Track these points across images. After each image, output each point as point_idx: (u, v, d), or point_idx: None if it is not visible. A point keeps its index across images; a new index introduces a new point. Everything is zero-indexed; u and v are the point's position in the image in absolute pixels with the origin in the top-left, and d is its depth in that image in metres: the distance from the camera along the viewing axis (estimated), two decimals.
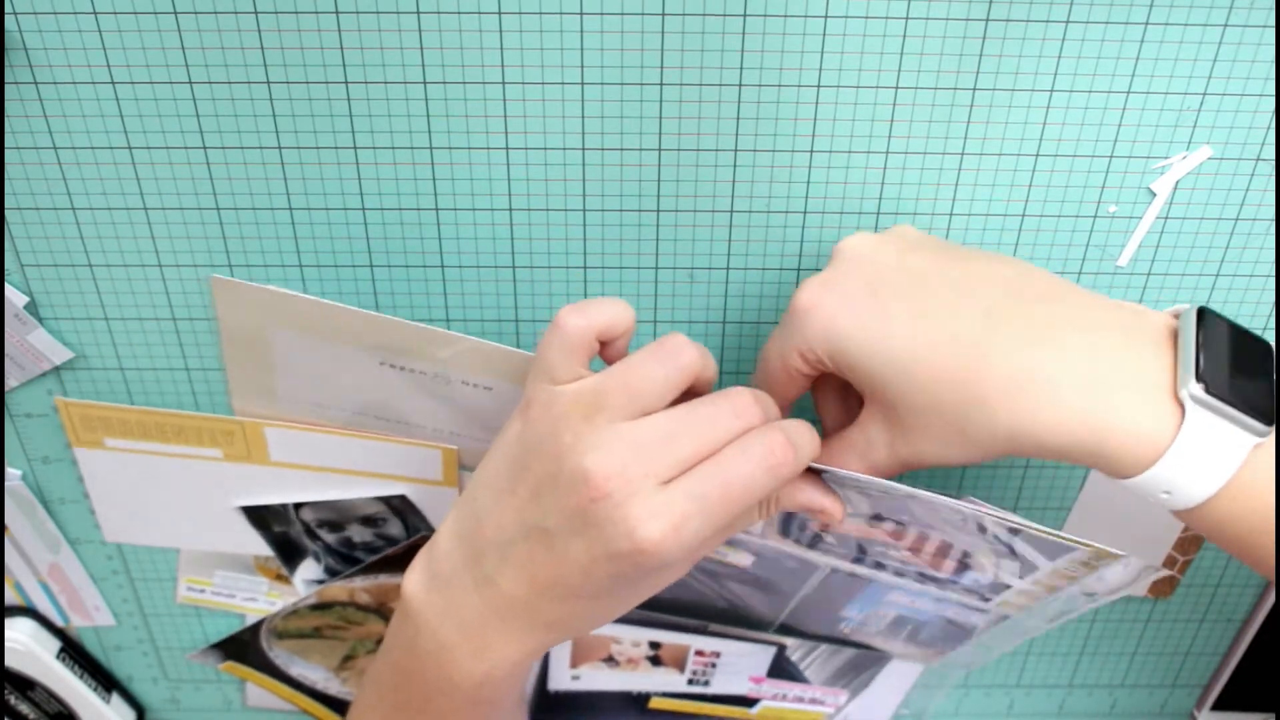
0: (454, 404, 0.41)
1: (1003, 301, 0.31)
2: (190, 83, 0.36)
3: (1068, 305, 0.31)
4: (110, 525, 0.48)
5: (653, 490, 0.29)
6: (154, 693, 0.55)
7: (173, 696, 0.55)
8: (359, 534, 0.46)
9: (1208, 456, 0.29)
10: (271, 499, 0.45)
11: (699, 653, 0.50)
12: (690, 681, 0.51)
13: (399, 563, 0.46)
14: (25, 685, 0.50)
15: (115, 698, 0.53)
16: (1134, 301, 0.41)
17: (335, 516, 0.46)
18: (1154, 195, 0.39)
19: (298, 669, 0.51)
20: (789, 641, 0.48)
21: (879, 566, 0.41)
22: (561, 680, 0.52)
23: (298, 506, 0.45)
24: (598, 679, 0.52)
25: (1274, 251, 0.40)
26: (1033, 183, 0.38)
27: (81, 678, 0.51)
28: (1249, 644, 0.51)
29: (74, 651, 0.52)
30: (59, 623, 0.52)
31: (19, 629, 0.50)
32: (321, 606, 0.48)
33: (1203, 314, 0.31)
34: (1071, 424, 0.29)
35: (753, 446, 0.30)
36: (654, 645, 0.50)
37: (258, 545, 0.47)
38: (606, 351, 0.34)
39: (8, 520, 0.47)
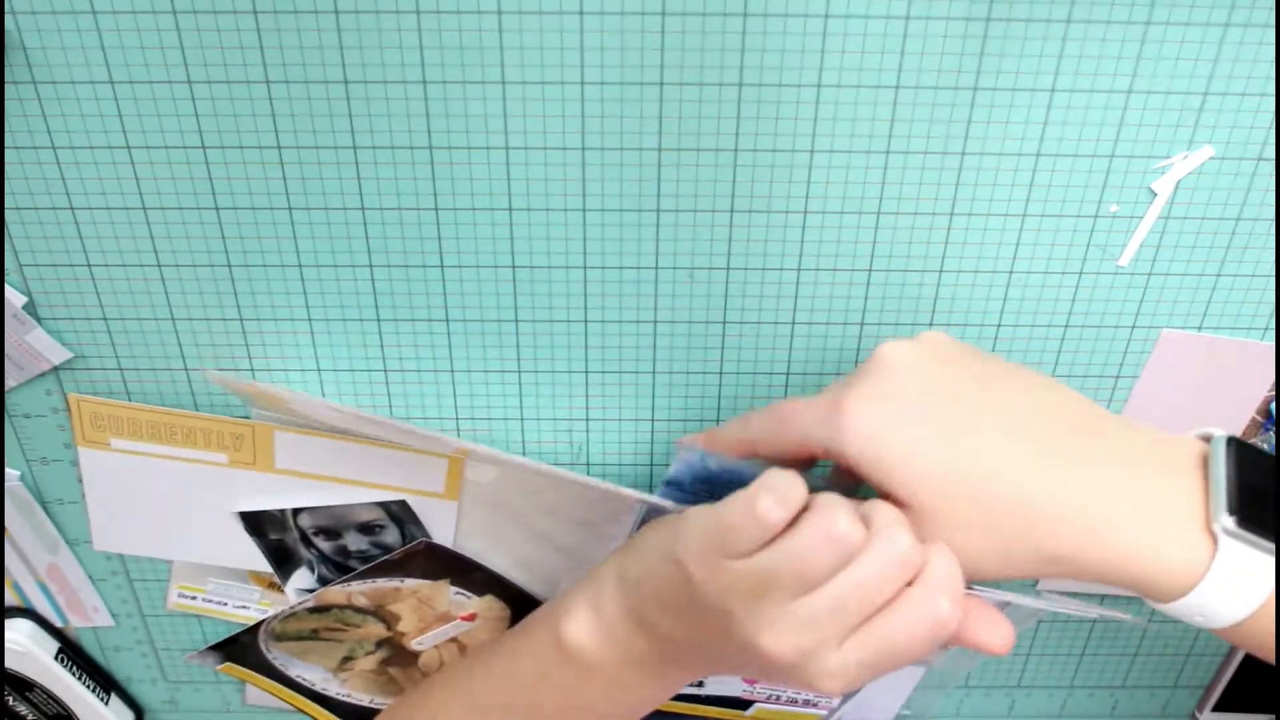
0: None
1: (1047, 433, 0.33)
2: (190, 82, 0.36)
3: (1105, 436, 0.33)
4: (102, 533, 0.48)
5: (829, 654, 0.31)
6: (152, 694, 0.55)
7: (171, 698, 0.55)
8: (355, 542, 0.46)
9: (1240, 583, 0.30)
10: (272, 504, 0.45)
11: None
12: None
13: (397, 567, 0.46)
14: (24, 686, 0.50)
15: (114, 699, 0.53)
16: (1133, 308, 0.41)
17: (332, 523, 0.46)
18: (1155, 195, 0.39)
19: (296, 670, 0.51)
20: None
21: None
22: None
23: (296, 513, 0.45)
24: None
25: (1274, 252, 0.40)
26: (1033, 183, 0.38)
27: (80, 679, 0.51)
28: None
29: (72, 652, 0.52)
30: (57, 624, 0.51)
31: (17, 630, 0.50)
32: (320, 610, 0.48)
33: (1231, 444, 0.32)
34: (1113, 556, 0.31)
35: (918, 616, 0.31)
36: None
37: (250, 559, 0.47)
38: None
39: (6, 521, 0.47)
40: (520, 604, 0.48)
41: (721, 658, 0.35)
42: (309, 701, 0.53)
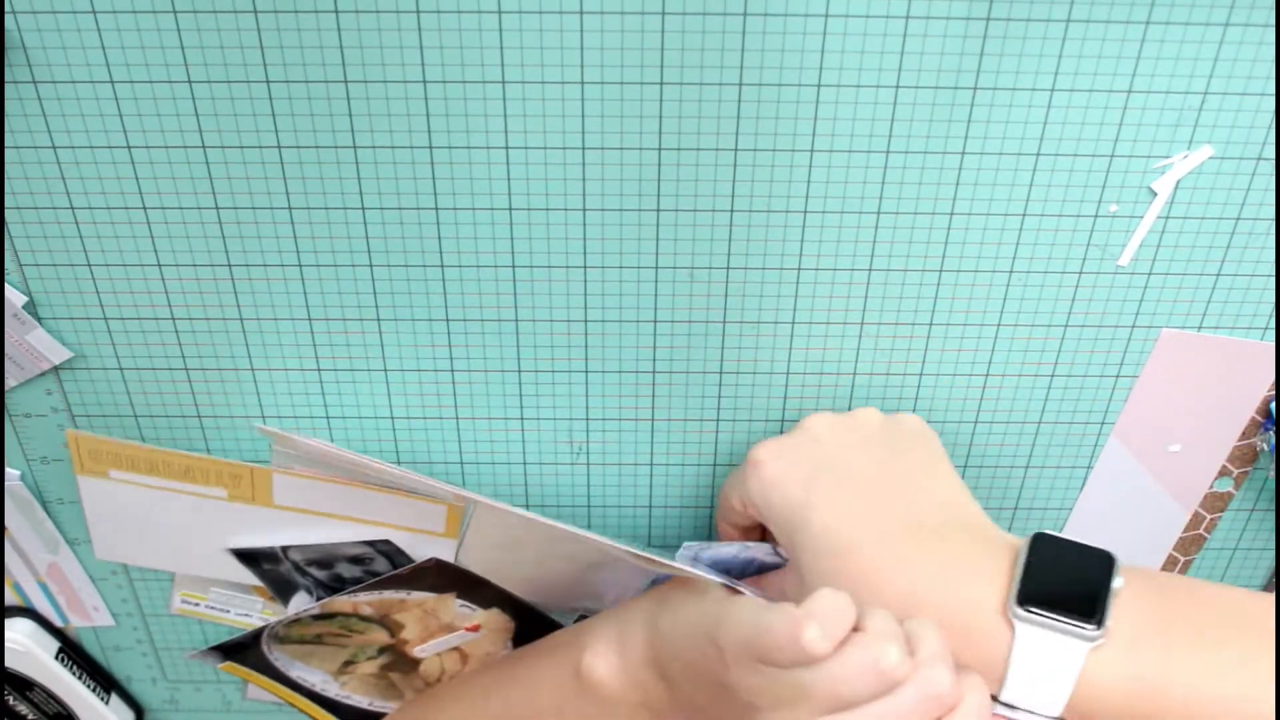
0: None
1: (899, 527, 0.36)
2: (190, 82, 0.36)
3: (951, 541, 0.35)
4: (103, 545, 0.48)
5: None
6: (153, 693, 0.55)
7: (171, 697, 0.55)
8: (347, 570, 0.46)
9: (1047, 669, 0.32)
10: (265, 541, 0.45)
11: None
12: None
13: (406, 582, 0.46)
14: (24, 686, 0.50)
15: (114, 698, 0.53)
16: (1133, 308, 0.41)
17: (322, 556, 0.46)
18: (1155, 195, 0.39)
19: (297, 671, 0.51)
20: None
21: None
22: None
23: (285, 549, 0.45)
24: None
25: (1274, 251, 0.40)
26: (1033, 183, 0.38)
27: (80, 678, 0.51)
28: None
29: (73, 652, 0.52)
30: (58, 623, 0.52)
31: (18, 629, 0.50)
32: (325, 617, 0.48)
33: (1038, 539, 0.34)
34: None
35: None
36: None
37: (252, 577, 0.48)
38: None
39: (6, 520, 0.47)
40: (526, 617, 0.48)
41: None
42: (308, 701, 0.53)
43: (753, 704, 0.32)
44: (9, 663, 0.49)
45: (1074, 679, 0.32)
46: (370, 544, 0.45)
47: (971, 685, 0.32)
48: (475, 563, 0.45)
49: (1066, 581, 0.33)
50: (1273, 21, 0.35)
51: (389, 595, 0.46)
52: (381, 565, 0.46)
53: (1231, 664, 0.31)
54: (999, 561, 0.34)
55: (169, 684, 0.54)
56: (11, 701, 0.50)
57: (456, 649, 0.49)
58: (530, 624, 0.48)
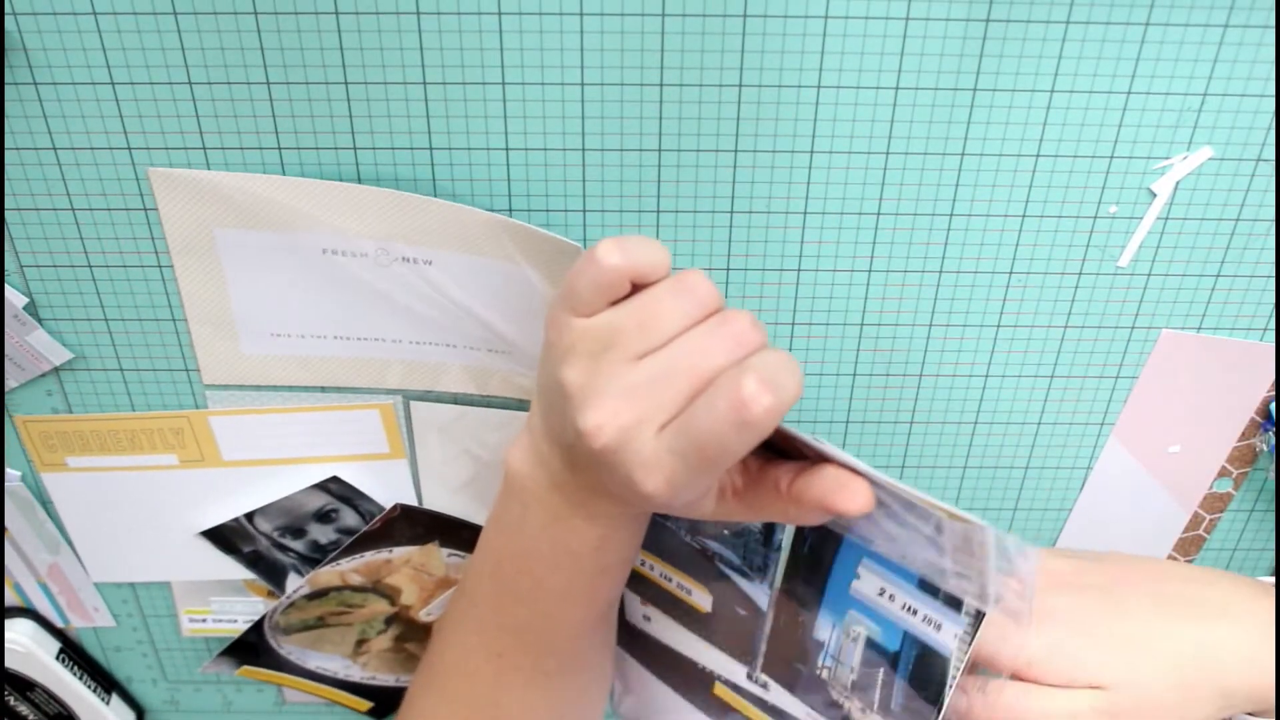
0: (403, 298, 0.40)
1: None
2: (190, 83, 0.36)
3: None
4: (94, 565, 0.48)
5: (646, 440, 0.29)
6: (153, 694, 0.55)
7: (172, 698, 0.55)
8: (321, 534, 0.46)
9: None
10: (226, 510, 0.45)
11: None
12: (749, 676, 0.50)
13: (381, 537, 0.46)
14: (25, 686, 0.50)
15: (115, 699, 0.53)
16: (1133, 308, 0.41)
17: (289, 520, 0.46)
18: (1154, 196, 0.39)
19: (315, 662, 0.51)
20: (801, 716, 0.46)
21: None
22: (635, 616, 0.51)
23: (251, 519, 0.45)
24: (665, 631, 0.50)
25: (1274, 252, 0.40)
26: (1033, 183, 0.38)
27: (81, 679, 0.51)
28: None
29: (73, 652, 0.52)
30: (58, 624, 0.52)
31: (18, 630, 0.50)
32: (317, 595, 0.48)
33: None
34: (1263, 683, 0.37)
35: (723, 394, 0.28)
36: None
37: (240, 569, 0.48)
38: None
39: (7, 521, 0.47)
40: None
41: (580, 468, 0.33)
42: (341, 691, 0.52)
43: (563, 385, 0.31)
44: (9, 663, 0.49)
45: None
46: (325, 490, 0.45)
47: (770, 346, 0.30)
48: (436, 481, 0.45)
49: None
50: (1273, 22, 0.35)
51: (371, 557, 0.46)
52: (349, 518, 0.46)
53: None
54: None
55: (169, 684, 0.54)
56: (12, 702, 0.50)
57: None
58: None
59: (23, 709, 0.51)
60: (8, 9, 0.35)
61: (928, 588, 0.39)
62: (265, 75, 0.36)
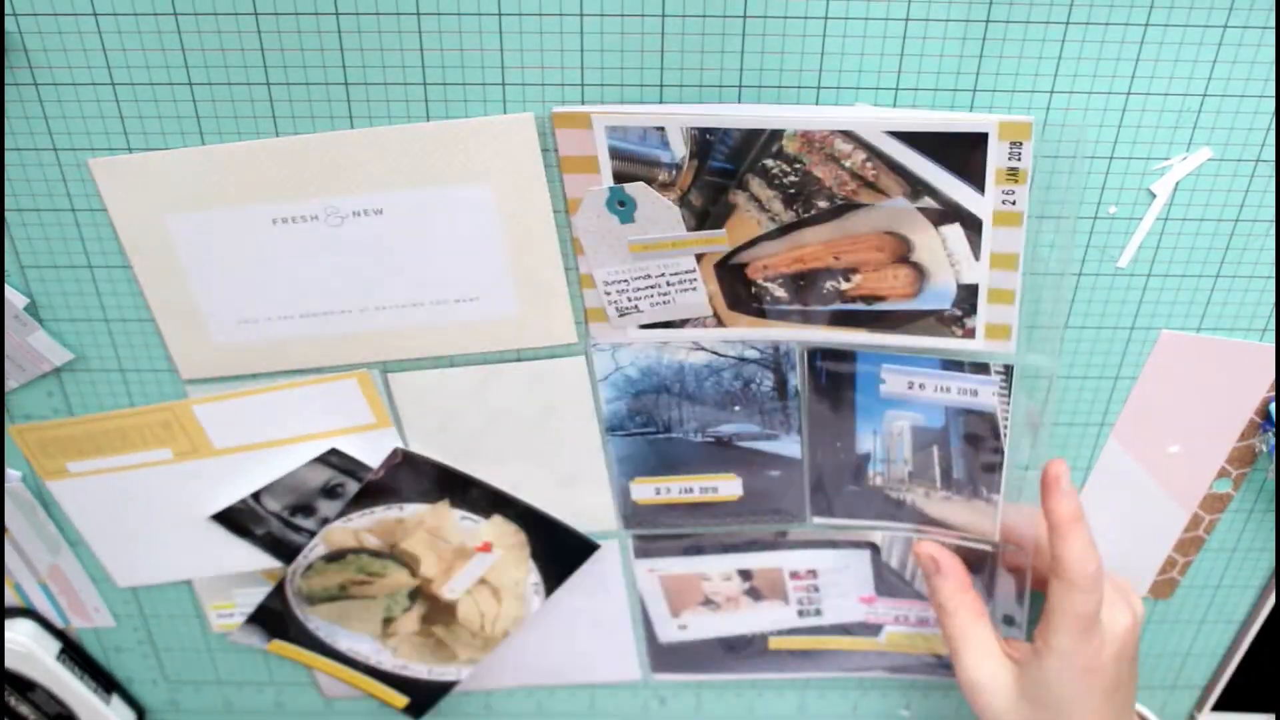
0: (361, 259, 0.39)
1: None
2: (190, 84, 0.36)
3: None
4: (119, 570, 0.49)
5: None
6: (154, 694, 0.55)
7: (172, 698, 0.55)
8: (330, 509, 0.46)
9: None
10: (230, 494, 0.45)
11: (794, 575, 0.49)
12: (801, 613, 0.50)
13: (387, 491, 0.46)
14: (25, 687, 0.50)
15: (115, 699, 0.53)
16: (1132, 309, 0.41)
17: (297, 498, 0.45)
18: (1154, 196, 0.39)
19: (345, 642, 0.51)
20: (876, 537, 0.47)
21: (842, 320, 0.40)
22: (669, 631, 0.52)
23: (258, 499, 0.45)
24: (705, 625, 0.51)
25: (1274, 253, 0.40)
26: (1032, 184, 0.38)
27: (81, 679, 0.51)
28: (1249, 645, 0.51)
29: (74, 653, 0.52)
30: (59, 624, 0.52)
31: (19, 630, 0.50)
32: (335, 557, 0.47)
33: None
34: None
35: None
36: (745, 576, 0.49)
37: (257, 558, 0.48)
38: None
39: (7, 521, 0.47)
40: (533, 524, 0.47)
41: None
42: (376, 682, 0.52)
43: None
44: (10, 664, 0.49)
45: None
46: (328, 464, 0.45)
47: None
48: (431, 452, 0.45)
49: None
50: (1272, 23, 0.35)
51: (382, 514, 0.46)
52: (354, 489, 0.46)
53: None
54: None
55: (170, 685, 0.54)
56: (13, 702, 0.50)
57: (485, 583, 0.49)
58: (541, 534, 0.47)
59: (23, 709, 0.51)
60: (8, 9, 0.35)
61: (952, 365, 0.41)
62: (265, 75, 0.36)
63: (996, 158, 0.35)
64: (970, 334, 0.40)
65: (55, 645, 0.51)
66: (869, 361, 0.41)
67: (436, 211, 0.38)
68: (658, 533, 0.48)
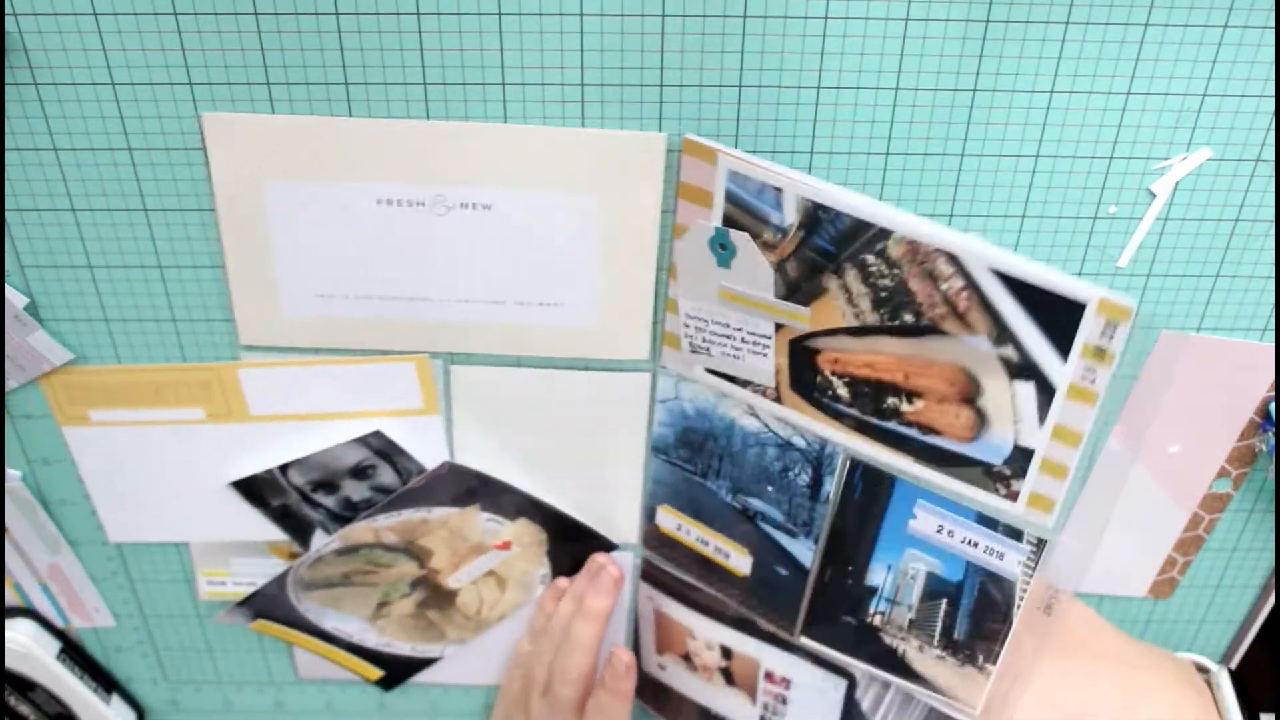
0: (458, 249, 0.39)
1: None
2: (190, 84, 0.36)
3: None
4: (113, 524, 0.48)
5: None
6: (154, 694, 0.55)
7: (172, 698, 0.55)
8: (355, 490, 0.45)
9: None
10: (257, 463, 0.45)
11: (769, 676, 0.48)
12: (762, 717, 0.50)
13: (424, 496, 0.45)
14: (25, 686, 0.50)
15: (115, 699, 0.53)
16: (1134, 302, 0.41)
17: (324, 475, 0.45)
18: (1154, 196, 0.39)
19: (331, 622, 0.50)
20: (856, 671, 0.46)
21: (893, 441, 0.39)
22: (651, 665, 0.52)
23: (284, 471, 0.44)
24: (678, 678, 0.51)
25: (1274, 253, 0.40)
26: (1033, 183, 0.38)
27: (81, 679, 0.51)
28: (1249, 645, 0.51)
29: (74, 653, 0.52)
30: (59, 624, 0.52)
31: (19, 630, 0.50)
32: (348, 551, 0.47)
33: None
34: None
35: None
36: (726, 654, 0.49)
37: (264, 529, 0.47)
38: None
39: (7, 521, 0.47)
40: (556, 526, 0.47)
41: None
42: (352, 656, 0.52)
43: None
44: (10, 663, 0.49)
45: None
46: (365, 445, 0.44)
47: None
48: (474, 445, 0.45)
49: None
50: (1272, 22, 0.35)
51: (409, 515, 0.45)
52: (386, 475, 0.45)
53: None
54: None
55: (170, 685, 0.54)
56: (13, 702, 0.50)
57: (492, 573, 0.48)
58: (562, 534, 0.47)
59: (23, 709, 0.51)
60: (8, 9, 0.35)
61: (987, 521, 0.40)
62: (265, 75, 0.36)
63: (1089, 331, 0.34)
64: (1014, 496, 0.39)
65: (55, 645, 0.51)
66: (905, 493, 0.41)
67: (543, 214, 0.38)
68: (665, 565, 0.48)
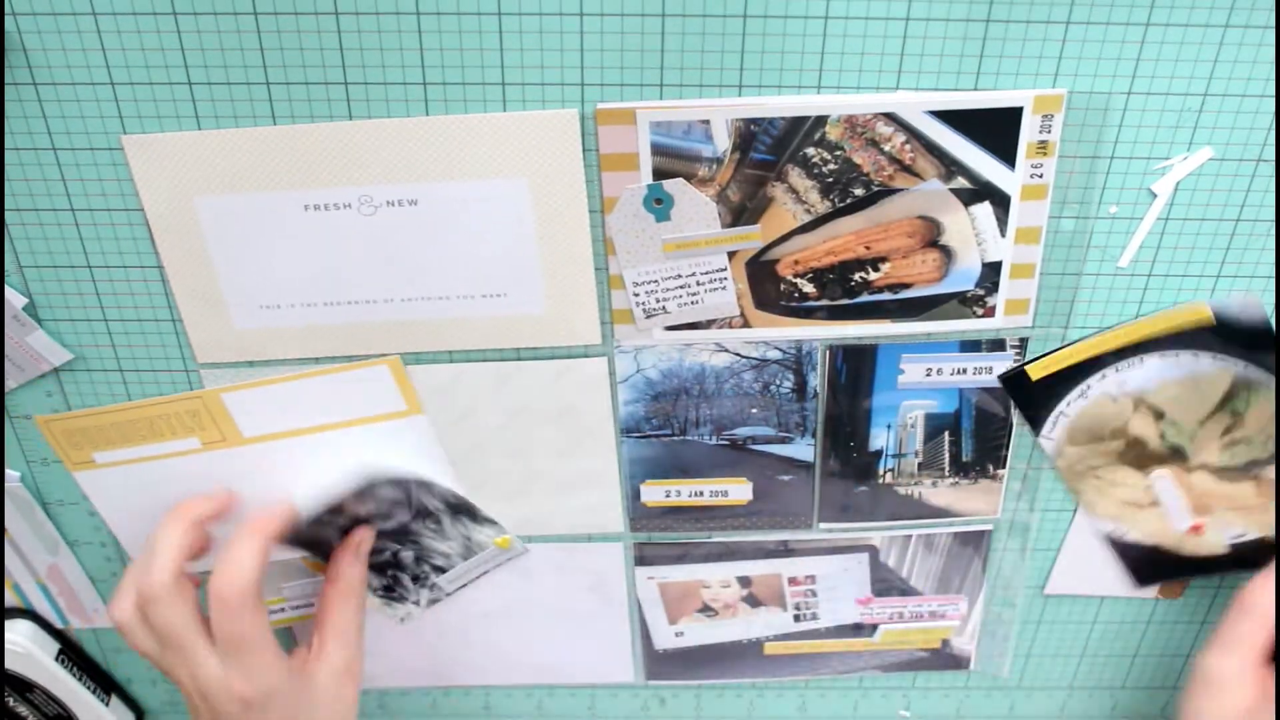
0: (391, 249, 0.39)
1: None
2: (190, 83, 0.36)
3: None
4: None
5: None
6: (153, 695, 0.55)
7: (172, 699, 0.55)
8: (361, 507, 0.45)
9: None
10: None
11: (793, 580, 0.49)
12: (797, 618, 0.51)
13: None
14: (24, 687, 0.50)
15: (114, 700, 0.53)
16: (1133, 309, 0.41)
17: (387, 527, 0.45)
18: (1155, 196, 0.39)
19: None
20: (876, 539, 0.48)
21: (868, 312, 0.40)
22: (665, 639, 0.52)
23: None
24: (702, 633, 0.51)
25: (1274, 253, 0.40)
26: None
27: (80, 680, 0.51)
28: None
29: (73, 653, 0.52)
30: (58, 624, 0.51)
31: (18, 631, 0.50)
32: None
33: None
34: None
35: None
36: (744, 583, 0.49)
37: (289, 548, 0.47)
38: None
39: (6, 522, 0.47)
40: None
41: None
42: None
43: None
44: (9, 664, 0.49)
45: None
46: (399, 486, 0.44)
47: None
48: (436, 446, 0.44)
49: None
50: (1273, 22, 0.35)
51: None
52: (404, 516, 0.45)
53: None
54: None
55: (169, 685, 0.54)
56: (12, 703, 0.50)
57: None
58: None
59: (22, 710, 0.50)
60: (8, 9, 0.35)
61: (970, 346, 0.42)
62: (265, 75, 0.36)
63: (1029, 131, 0.37)
64: (991, 312, 0.41)
65: (54, 646, 0.51)
66: (889, 355, 0.42)
67: (471, 205, 0.38)
68: (661, 540, 0.48)
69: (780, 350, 0.42)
